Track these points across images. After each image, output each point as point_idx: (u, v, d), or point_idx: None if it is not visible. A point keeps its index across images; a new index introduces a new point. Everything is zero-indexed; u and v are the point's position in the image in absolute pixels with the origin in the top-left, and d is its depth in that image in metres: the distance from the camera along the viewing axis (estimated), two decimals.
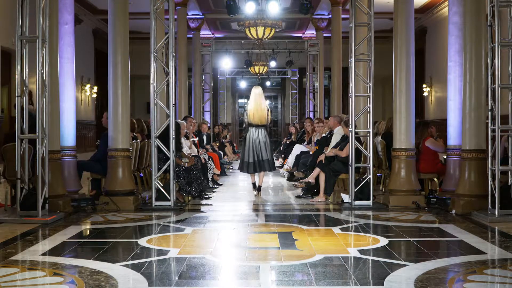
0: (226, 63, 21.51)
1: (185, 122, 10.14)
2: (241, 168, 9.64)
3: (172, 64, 8.41)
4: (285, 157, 14.26)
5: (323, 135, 11.21)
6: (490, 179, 7.25)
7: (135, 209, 8.13)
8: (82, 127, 17.68)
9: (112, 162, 8.31)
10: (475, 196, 7.61)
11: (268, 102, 25.93)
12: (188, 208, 8.33)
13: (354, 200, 8.37)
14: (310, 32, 21.42)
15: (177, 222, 7.20)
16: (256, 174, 9.59)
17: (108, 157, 8.36)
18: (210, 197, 9.28)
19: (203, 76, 19.86)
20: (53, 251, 5.50)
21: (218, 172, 11.79)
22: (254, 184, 9.68)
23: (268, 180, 12.66)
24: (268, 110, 9.65)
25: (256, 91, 9.71)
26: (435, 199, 8.37)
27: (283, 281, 4.43)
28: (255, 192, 9.60)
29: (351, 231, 6.62)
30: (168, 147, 8.27)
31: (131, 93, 9.08)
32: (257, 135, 9.54)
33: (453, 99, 8.85)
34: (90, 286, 4.21)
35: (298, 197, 9.48)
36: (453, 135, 8.82)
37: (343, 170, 9.02)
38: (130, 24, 8.70)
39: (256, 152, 9.45)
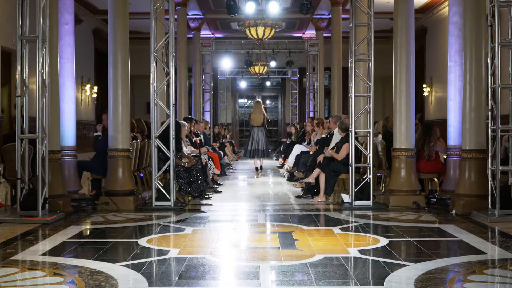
0: (226, 63, 21.51)
1: (186, 123, 10.14)
2: (245, 155, 13.49)
3: (172, 64, 8.41)
4: (285, 157, 14.26)
5: (323, 135, 11.22)
6: (490, 179, 7.25)
7: (135, 209, 8.13)
8: (82, 127, 17.66)
9: (112, 162, 8.30)
10: (475, 196, 7.61)
11: (268, 102, 26.09)
12: (188, 208, 8.33)
13: (354, 200, 8.36)
14: (310, 32, 21.42)
15: (177, 222, 7.20)
16: (257, 160, 13.13)
17: (108, 157, 8.36)
18: (210, 197, 9.29)
19: (203, 76, 19.85)
20: (53, 251, 5.50)
21: (218, 172, 11.79)
22: (256, 168, 13.18)
23: (269, 180, 12.70)
24: (265, 115, 13.14)
25: (257, 104, 13.42)
26: (435, 199, 8.37)
27: (283, 281, 4.43)
28: (257, 172, 13.11)
29: (351, 231, 6.61)
30: (168, 147, 8.27)
31: (131, 93, 9.07)
32: (257, 133, 13.01)
33: (453, 99, 8.85)
34: (90, 286, 4.21)
35: (298, 197, 9.48)
36: (453, 135, 8.82)
37: (343, 170, 9.01)
38: (130, 24, 8.69)
39: (257, 144, 12.96)
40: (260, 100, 14.13)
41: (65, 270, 4.71)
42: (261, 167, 13.31)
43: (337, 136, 9.70)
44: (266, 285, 4.32)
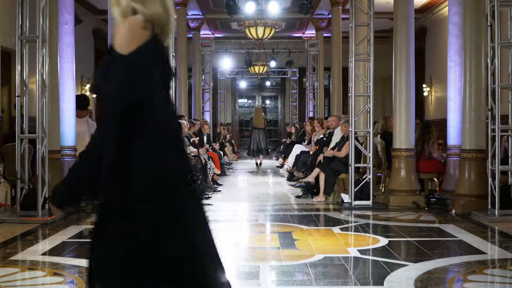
0: (226, 63, 21.49)
1: (185, 122, 10.14)
2: (249, 153, 15.55)
3: (172, 64, 8.39)
4: (285, 157, 14.27)
5: (321, 135, 11.22)
6: (490, 179, 7.25)
7: None
8: None
9: None
10: (475, 196, 7.60)
11: (268, 102, 26.10)
12: None
13: (354, 200, 8.36)
14: (310, 32, 21.39)
15: None
16: (257, 157, 15.13)
17: None
18: (210, 197, 9.29)
19: (203, 76, 19.84)
20: (53, 251, 5.50)
21: (218, 172, 11.79)
22: (257, 163, 15.18)
23: (268, 180, 12.70)
24: (264, 119, 15.26)
25: (258, 108, 15.78)
26: (435, 199, 8.37)
27: (283, 281, 4.43)
28: (257, 167, 15.10)
29: (351, 231, 6.62)
30: None
31: None
32: (258, 133, 15.00)
33: (453, 99, 8.85)
34: None
35: (298, 197, 9.48)
36: (453, 135, 8.82)
37: (343, 170, 9.01)
38: None
39: (257, 143, 14.94)
40: (259, 105, 16.04)
41: (65, 270, 4.71)
42: (260, 163, 15.19)
43: (337, 136, 9.70)
44: (266, 285, 4.32)
